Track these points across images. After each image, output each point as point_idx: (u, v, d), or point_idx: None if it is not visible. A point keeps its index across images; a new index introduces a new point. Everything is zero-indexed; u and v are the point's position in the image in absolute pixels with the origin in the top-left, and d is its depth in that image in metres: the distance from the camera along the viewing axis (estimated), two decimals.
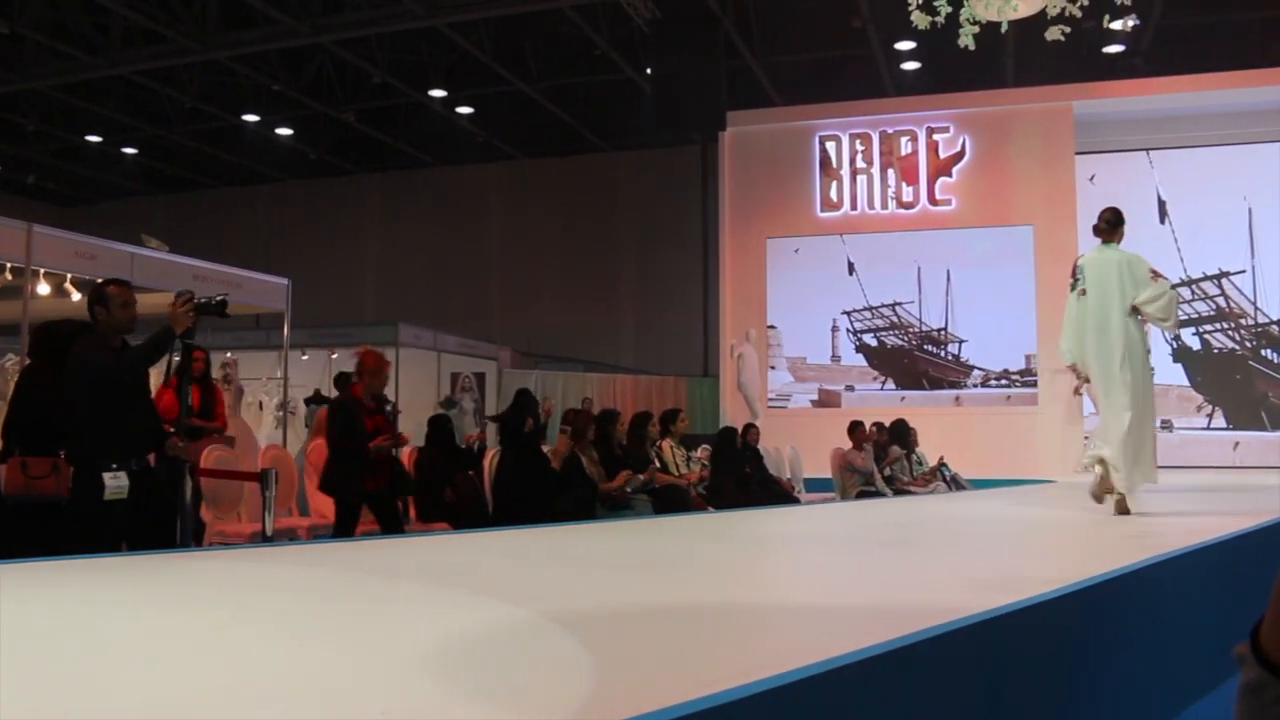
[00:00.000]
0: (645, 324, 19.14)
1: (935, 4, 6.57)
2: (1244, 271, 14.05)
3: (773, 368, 14.85)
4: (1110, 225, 5.76)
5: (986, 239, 14.29)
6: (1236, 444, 13.94)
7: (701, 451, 9.15)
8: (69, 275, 8.18)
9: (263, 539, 5.45)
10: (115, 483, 4.15)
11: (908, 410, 12.25)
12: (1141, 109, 14.33)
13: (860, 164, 14.84)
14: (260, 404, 12.67)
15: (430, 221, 20.57)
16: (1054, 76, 13.93)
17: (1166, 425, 13.33)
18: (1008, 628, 2.39)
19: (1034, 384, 14.01)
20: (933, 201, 14.55)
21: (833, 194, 14.87)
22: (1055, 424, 13.39)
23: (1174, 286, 5.73)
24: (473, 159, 20.08)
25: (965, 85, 14.31)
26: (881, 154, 14.79)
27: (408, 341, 13.73)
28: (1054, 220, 13.96)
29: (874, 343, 14.73)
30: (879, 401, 13.94)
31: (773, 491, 9.07)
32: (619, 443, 7.70)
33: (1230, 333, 14.15)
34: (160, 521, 4.46)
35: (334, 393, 12.03)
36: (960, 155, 14.54)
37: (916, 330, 14.56)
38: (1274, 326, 13.98)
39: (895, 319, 14.63)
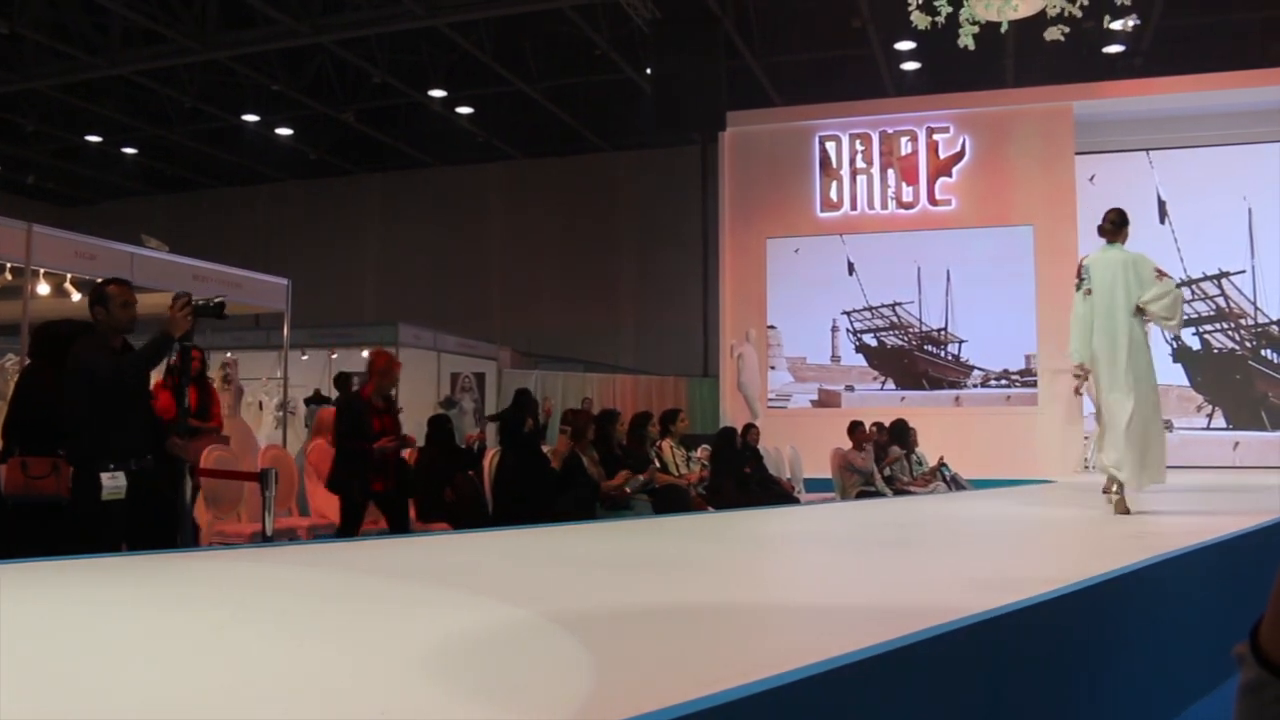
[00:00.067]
0: (645, 324, 19.14)
1: (935, 4, 6.57)
2: (1244, 271, 14.05)
3: (773, 368, 14.85)
4: (1115, 226, 5.80)
5: (986, 239, 14.29)
6: (1236, 444, 13.94)
7: (701, 451, 9.15)
8: (69, 275, 8.18)
9: (263, 539, 5.45)
10: (113, 483, 4.15)
11: (908, 410, 12.25)
12: (1141, 109, 14.33)
13: (860, 164, 14.84)
14: (260, 404, 12.67)
15: (430, 221, 20.57)
16: (1054, 76, 13.94)
17: (1166, 425, 13.30)
18: (1008, 628, 2.39)
19: (1034, 384, 14.01)
20: (933, 201, 14.55)
21: (833, 194, 14.87)
22: (1055, 424, 13.40)
23: (1176, 286, 5.77)
24: (473, 159, 20.09)
25: (965, 85, 14.31)
26: (881, 154, 14.78)
27: (408, 341, 13.73)
28: (1054, 220, 13.96)
29: (874, 343, 14.73)
30: (879, 401, 13.94)
31: (772, 491, 9.07)
32: (619, 443, 7.70)
33: (1230, 333, 14.16)
34: (159, 521, 4.46)
35: (334, 393, 12.06)
36: (960, 155, 14.54)
37: (916, 330, 14.56)
38: (1274, 326, 13.98)
39: (895, 319, 14.63)
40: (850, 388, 14.67)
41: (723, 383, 14.89)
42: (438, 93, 16.39)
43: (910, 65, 14.99)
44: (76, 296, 7.99)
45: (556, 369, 16.16)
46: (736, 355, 14.38)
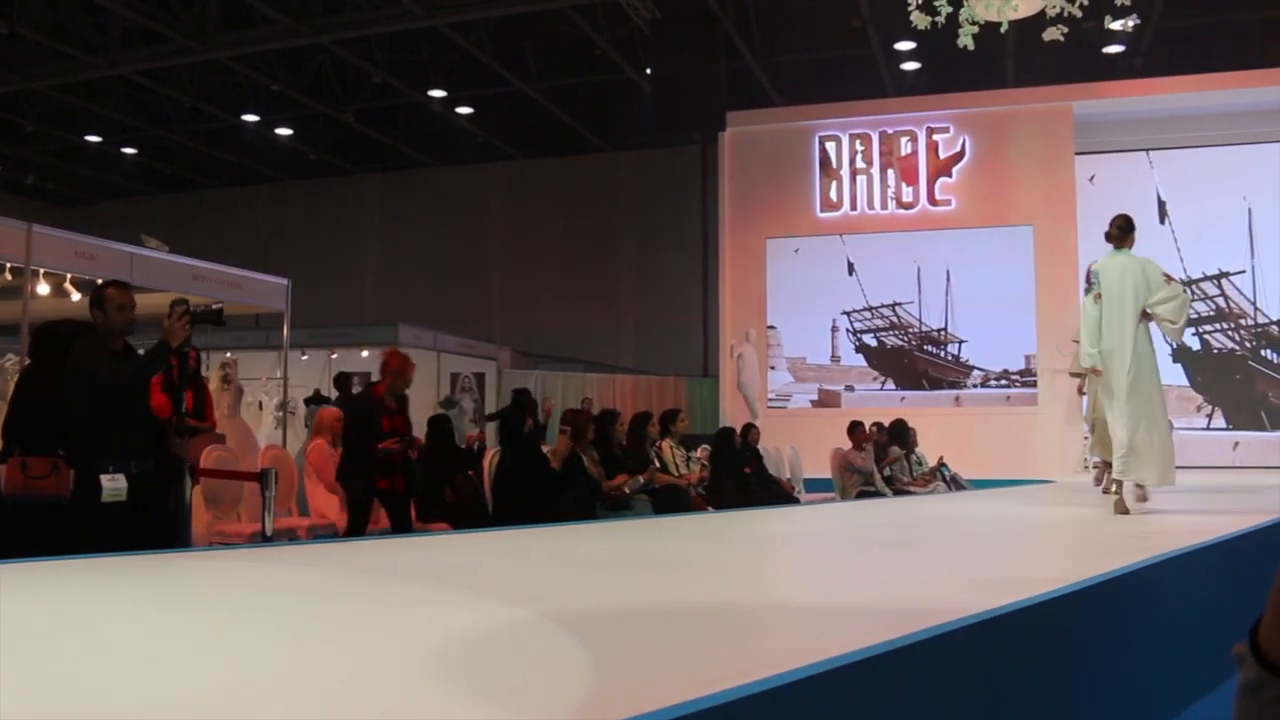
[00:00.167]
0: (645, 324, 19.14)
1: (935, 4, 6.57)
2: (1244, 272, 14.05)
3: (773, 368, 14.85)
4: (1122, 231, 5.91)
5: (986, 239, 14.29)
6: (1236, 444, 13.94)
7: (701, 451, 9.15)
8: (69, 275, 8.16)
9: (262, 539, 5.45)
10: (113, 485, 4.16)
11: (907, 410, 12.25)
12: (1141, 109, 14.33)
13: (860, 164, 14.84)
14: (260, 404, 12.66)
15: (430, 221, 20.57)
16: (1054, 76, 13.94)
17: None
18: (1008, 628, 2.39)
19: (1034, 384, 14.01)
20: (933, 202, 14.55)
21: (832, 194, 14.87)
22: (1055, 424, 13.41)
23: (1183, 291, 5.87)
24: (473, 159, 20.08)
25: (965, 85, 14.31)
26: (881, 154, 14.78)
27: (407, 342, 13.71)
28: (1054, 220, 13.96)
29: (874, 343, 14.73)
30: (879, 401, 13.94)
31: (772, 491, 9.07)
32: (619, 443, 7.70)
33: (1230, 333, 14.15)
34: (159, 523, 4.46)
35: (334, 393, 12.05)
36: (960, 155, 14.54)
37: (916, 330, 14.56)
38: (1274, 326, 13.98)
39: (895, 319, 14.63)
40: (850, 388, 14.67)
41: (723, 383, 14.89)
42: (438, 93, 16.39)
43: (910, 65, 14.99)
44: (76, 296, 7.99)
45: (556, 369, 16.16)
46: (736, 355, 14.38)
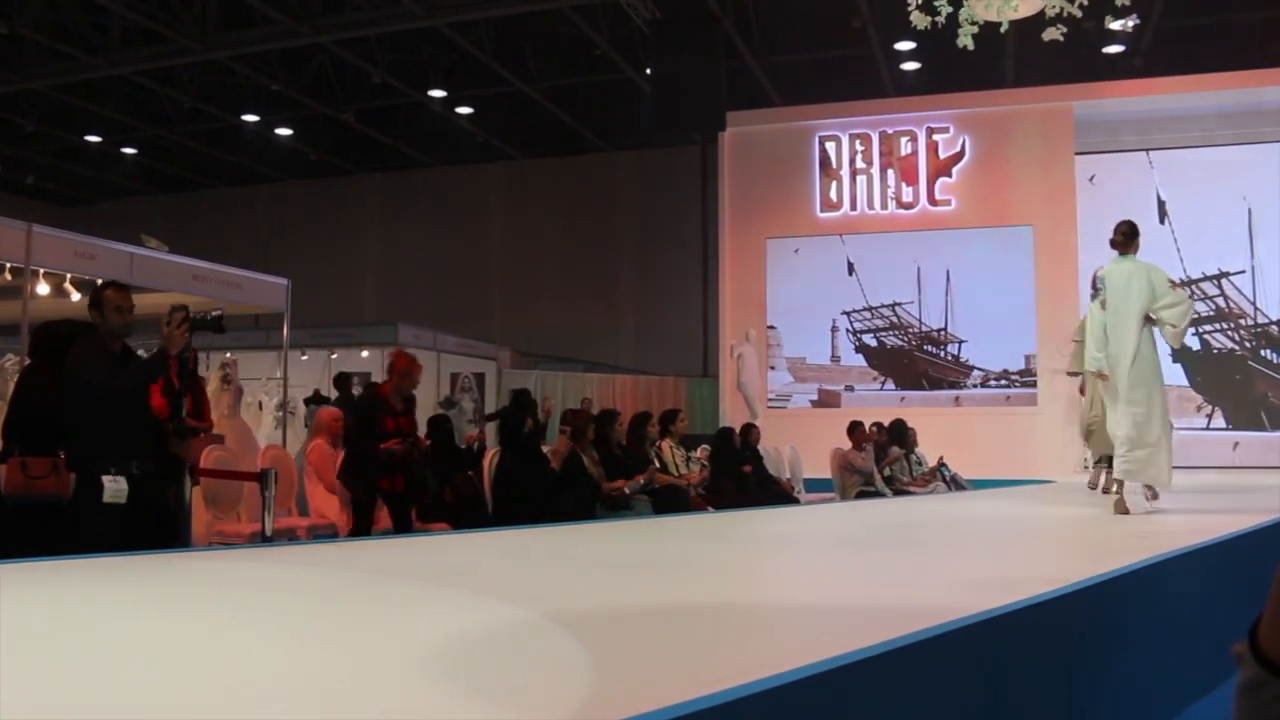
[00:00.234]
0: (645, 324, 19.14)
1: (935, 4, 6.57)
2: (1244, 272, 14.05)
3: (772, 368, 14.85)
4: (1126, 238, 5.98)
5: (986, 239, 14.30)
6: (1236, 444, 13.94)
7: (701, 451, 9.15)
8: (69, 275, 8.16)
9: (262, 539, 5.45)
10: (114, 486, 4.16)
11: (907, 410, 12.25)
12: (1141, 109, 14.33)
13: (860, 164, 14.84)
14: (260, 404, 12.66)
15: (430, 221, 20.56)
16: (1054, 76, 13.93)
17: None
18: (1008, 628, 2.39)
19: (1034, 384, 14.01)
20: (932, 202, 14.55)
21: (832, 194, 14.87)
22: (1055, 424, 13.40)
23: (1189, 297, 5.96)
24: (472, 159, 20.08)
25: (965, 85, 14.31)
26: (881, 154, 14.78)
27: (407, 341, 13.71)
28: (1054, 220, 13.96)
29: (874, 343, 14.73)
30: (879, 401, 13.94)
31: (772, 491, 9.07)
32: (618, 443, 7.70)
33: (1230, 333, 14.15)
34: (159, 522, 4.46)
35: (334, 393, 12.05)
36: (960, 155, 14.54)
37: (916, 330, 14.56)
38: (1274, 326, 13.98)
39: (895, 319, 14.63)
40: (850, 388, 14.67)
41: (723, 383, 14.89)
42: (438, 93, 16.39)
43: (910, 65, 14.99)
44: (76, 296, 7.99)
45: (556, 369, 16.16)
46: (736, 355, 14.39)
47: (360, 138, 18.70)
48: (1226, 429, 14.07)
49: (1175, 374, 13.97)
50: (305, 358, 14.49)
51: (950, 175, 14.54)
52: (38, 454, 4.49)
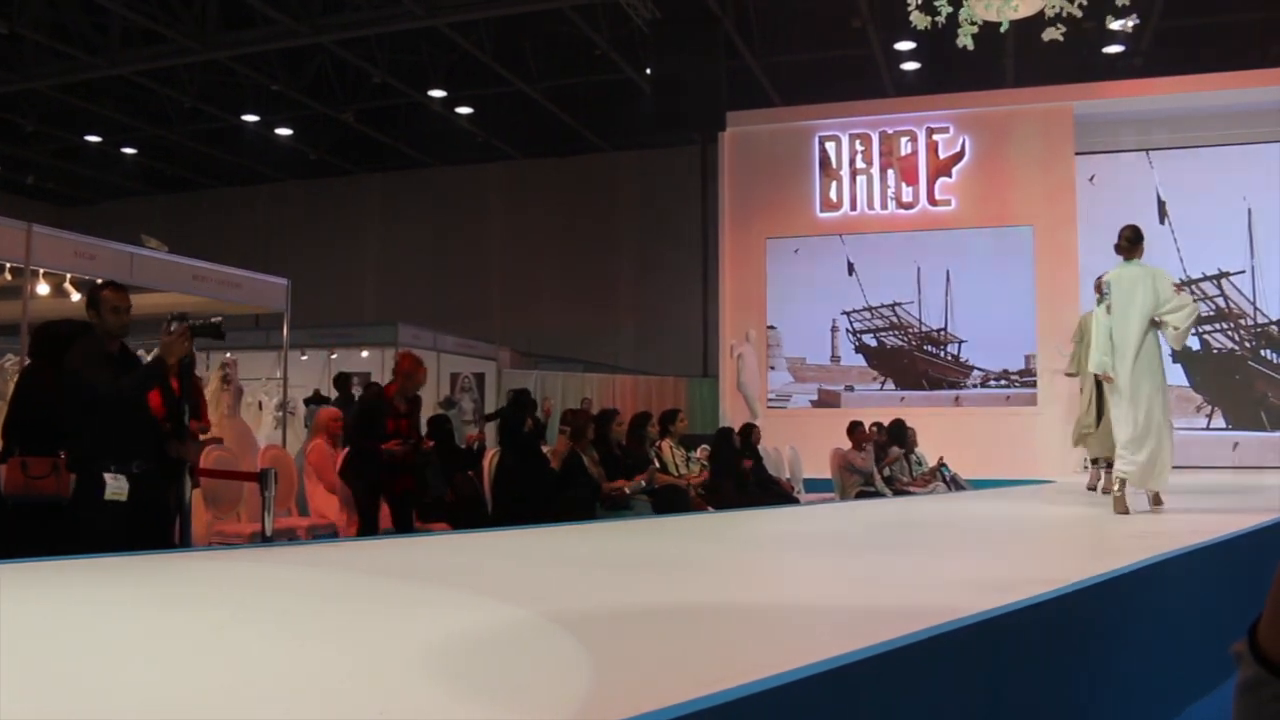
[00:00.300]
0: (645, 324, 19.14)
1: (935, 4, 6.57)
2: (1243, 272, 14.05)
3: (772, 368, 14.85)
4: (1131, 243, 6.05)
5: (986, 239, 14.29)
6: (1236, 444, 13.93)
7: (701, 451, 9.15)
8: (68, 275, 8.16)
9: (262, 539, 5.45)
10: (115, 484, 4.16)
11: (907, 410, 12.25)
12: (1141, 109, 14.33)
13: (860, 164, 14.84)
14: (260, 404, 12.66)
15: (430, 221, 20.57)
16: (1054, 76, 13.93)
17: None
18: (1008, 628, 2.39)
19: (1033, 384, 14.01)
20: (932, 202, 14.55)
21: (832, 194, 14.87)
22: (1055, 424, 13.39)
23: (1193, 301, 6.04)
24: (472, 159, 20.08)
25: (965, 85, 14.31)
26: (881, 154, 14.78)
27: (407, 341, 13.72)
28: (1054, 220, 13.96)
29: (874, 343, 14.73)
30: (879, 402, 13.94)
31: (772, 492, 9.07)
32: (618, 443, 7.70)
33: (1230, 333, 14.15)
34: (159, 522, 4.47)
35: (334, 393, 12.05)
36: (960, 155, 14.54)
37: (916, 330, 14.56)
38: (1273, 326, 13.98)
39: (895, 319, 14.63)
40: (850, 388, 14.67)
41: (723, 383, 14.89)
42: (438, 93, 16.39)
43: (910, 65, 14.98)
44: (76, 296, 7.98)
45: (556, 369, 16.15)
46: (736, 355, 14.38)
47: (360, 138, 18.70)
48: (1226, 429, 14.07)
49: (1175, 374, 13.96)
50: (305, 358, 14.49)
51: (950, 175, 14.54)
52: (38, 454, 4.49)
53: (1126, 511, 5.68)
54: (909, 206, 14.63)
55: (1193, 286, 13.94)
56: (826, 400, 14.64)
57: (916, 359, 14.55)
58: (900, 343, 14.62)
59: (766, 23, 14.64)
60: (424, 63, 15.66)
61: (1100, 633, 2.93)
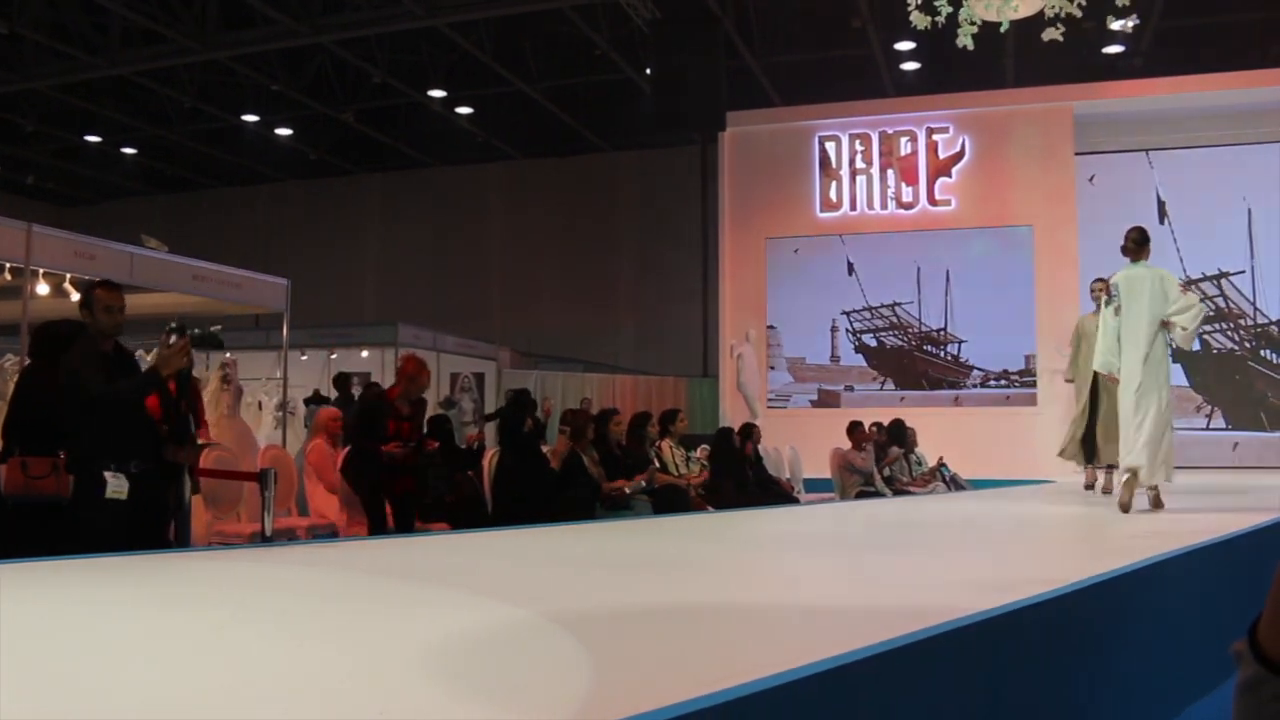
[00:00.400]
0: (645, 324, 19.14)
1: (935, 4, 6.57)
2: (1243, 272, 14.05)
3: (772, 368, 14.85)
4: (1137, 244, 6.09)
5: (986, 239, 14.30)
6: (1235, 444, 13.94)
7: (701, 451, 9.15)
8: (68, 275, 8.15)
9: (262, 539, 5.46)
10: (115, 482, 4.16)
11: (907, 410, 12.25)
12: (1141, 109, 14.33)
13: (860, 164, 14.84)
14: (260, 404, 12.65)
15: (430, 221, 20.56)
16: (1054, 76, 13.93)
17: None
18: (1008, 628, 2.39)
19: (1033, 384, 14.01)
20: (932, 202, 14.55)
21: (832, 194, 14.87)
22: (1055, 424, 13.38)
23: (1184, 292, 6.06)
24: (472, 159, 20.08)
25: (965, 85, 14.31)
26: (881, 154, 14.78)
27: (407, 342, 13.72)
28: (1054, 220, 13.96)
29: (873, 343, 14.73)
30: (878, 402, 13.94)
31: (772, 492, 9.07)
32: (618, 442, 7.70)
33: (1229, 333, 14.15)
34: (158, 522, 4.47)
35: (334, 393, 12.05)
36: (960, 155, 14.54)
37: (916, 330, 14.56)
38: (1273, 327, 13.98)
39: (895, 319, 14.63)
40: (850, 388, 14.67)
41: (723, 383, 14.89)
42: (438, 93, 16.39)
43: (910, 65, 14.98)
44: (76, 296, 7.97)
45: (556, 369, 16.15)
46: (736, 355, 14.38)
47: (360, 138, 18.70)
48: (1226, 429, 14.07)
49: (1175, 374, 13.94)
50: (305, 358, 14.48)
51: (950, 175, 14.54)
52: (38, 454, 4.48)
53: (1128, 510, 5.70)
54: (909, 206, 14.63)
55: (1193, 286, 13.93)
56: (826, 400, 14.64)
57: (916, 359, 14.55)
58: (900, 343, 14.62)
59: (766, 23, 14.64)
60: (424, 63, 15.66)
61: (1100, 633, 2.93)
